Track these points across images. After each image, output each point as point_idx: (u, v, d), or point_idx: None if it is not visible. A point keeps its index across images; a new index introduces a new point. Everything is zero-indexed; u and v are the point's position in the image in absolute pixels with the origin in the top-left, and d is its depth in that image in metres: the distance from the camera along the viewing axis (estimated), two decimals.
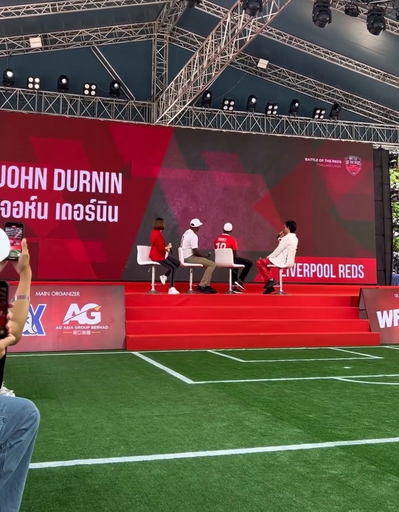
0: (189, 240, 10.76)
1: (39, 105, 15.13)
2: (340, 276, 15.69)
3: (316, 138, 17.16)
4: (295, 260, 11.28)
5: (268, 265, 10.91)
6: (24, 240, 2.15)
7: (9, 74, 14.46)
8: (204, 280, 10.68)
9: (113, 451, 3.30)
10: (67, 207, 13.82)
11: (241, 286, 11.07)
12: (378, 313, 9.94)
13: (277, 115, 17.05)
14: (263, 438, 3.59)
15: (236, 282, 11.12)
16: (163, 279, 10.75)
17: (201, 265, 10.71)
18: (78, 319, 8.45)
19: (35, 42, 14.73)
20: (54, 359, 7.33)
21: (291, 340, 9.04)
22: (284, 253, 10.80)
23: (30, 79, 14.74)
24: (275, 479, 2.86)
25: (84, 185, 14.04)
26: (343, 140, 17.32)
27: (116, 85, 15.38)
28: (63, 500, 2.57)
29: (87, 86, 15.21)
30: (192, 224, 10.93)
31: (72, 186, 13.88)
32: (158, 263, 10.48)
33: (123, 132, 14.55)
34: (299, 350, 8.49)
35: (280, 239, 11.22)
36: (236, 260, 10.92)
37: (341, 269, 15.78)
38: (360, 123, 18.04)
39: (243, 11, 10.58)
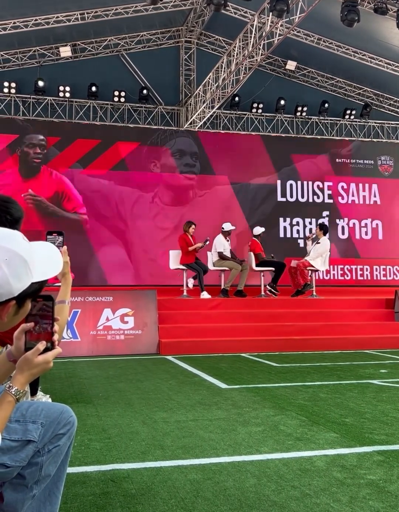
0: (216, 244, 10.76)
1: (70, 113, 15.34)
2: (375, 277, 15.44)
3: (347, 138, 16.97)
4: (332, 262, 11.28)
5: (309, 268, 10.76)
6: (64, 247, 2.19)
7: (40, 83, 14.71)
8: (239, 284, 10.62)
9: (148, 455, 3.31)
10: None
11: (274, 290, 10.99)
12: None
13: (306, 117, 16.92)
14: (299, 442, 3.56)
15: (268, 285, 11.04)
16: (191, 282, 10.75)
17: (227, 268, 10.65)
18: (112, 324, 8.52)
19: (65, 51, 14.95)
20: (89, 364, 7.41)
21: (326, 343, 8.94)
22: (324, 256, 10.68)
23: (61, 88, 14.95)
24: (312, 484, 2.83)
25: None
26: (374, 140, 17.10)
27: (144, 91, 15.49)
28: (100, 504, 2.59)
29: (116, 93, 15.36)
30: (222, 228, 10.90)
31: None
32: (185, 267, 10.46)
33: None
34: (333, 354, 8.39)
35: (310, 242, 11.11)
36: (261, 264, 10.87)
37: (376, 270, 15.54)
38: (392, 122, 17.77)
39: (270, 13, 10.54)
